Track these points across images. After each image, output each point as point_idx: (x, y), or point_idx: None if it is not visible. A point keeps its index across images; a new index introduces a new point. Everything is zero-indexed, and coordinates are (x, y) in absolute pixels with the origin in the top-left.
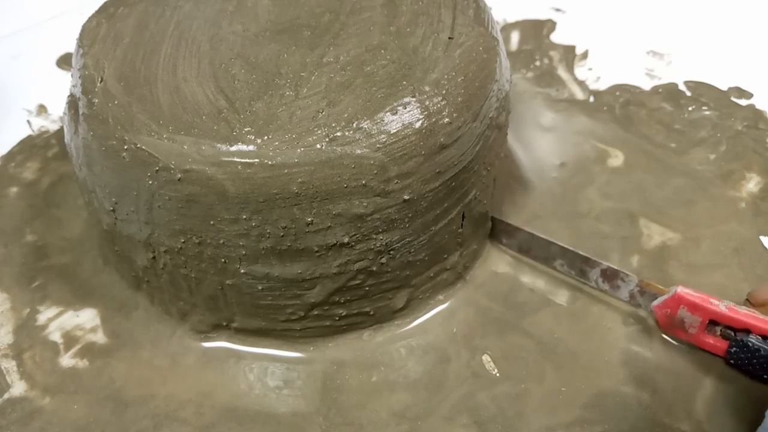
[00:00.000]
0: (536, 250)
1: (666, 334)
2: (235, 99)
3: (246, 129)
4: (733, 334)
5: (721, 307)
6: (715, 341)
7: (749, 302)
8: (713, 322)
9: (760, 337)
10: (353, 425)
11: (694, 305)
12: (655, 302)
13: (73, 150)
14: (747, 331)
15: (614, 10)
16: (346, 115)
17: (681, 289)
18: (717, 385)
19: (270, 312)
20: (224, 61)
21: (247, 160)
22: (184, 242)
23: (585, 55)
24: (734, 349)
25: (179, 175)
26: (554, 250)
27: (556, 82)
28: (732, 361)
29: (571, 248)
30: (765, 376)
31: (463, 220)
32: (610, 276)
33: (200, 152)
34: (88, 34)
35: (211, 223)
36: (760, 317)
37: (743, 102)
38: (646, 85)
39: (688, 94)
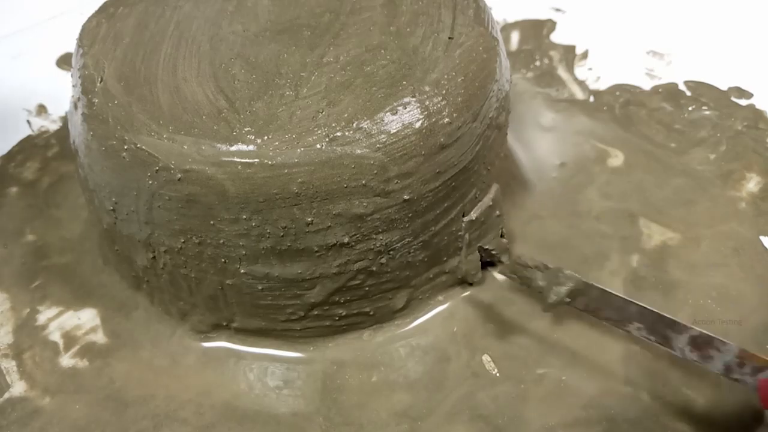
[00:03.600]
0: (607, 311)
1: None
2: (235, 99)
3: (246, 129)
4: None
5: None
6: None
7: None
8: None
9: None
10: (353, 425)
11: None
12: (764, 374)
13: (76, 149)
14: None
15: (614, 10)
16: (346, 115)
17: None
18: (717, 384)
19: (270, 312)
20: (224, 61)
21: (247, 160)
22: (184, 242)
23: (585, 55)
24: None
25: (179, 175)
26: (631, 311)
27: (556, 82)
28: None
29: (653, 309)
30: None
31: (463, 221)
32: (702, 344)
33: (200, 152)
34: (88, 34)
35: (211, 223)
36: None
37: (743, 102)
38: (646, 85)
39: (688, 94)
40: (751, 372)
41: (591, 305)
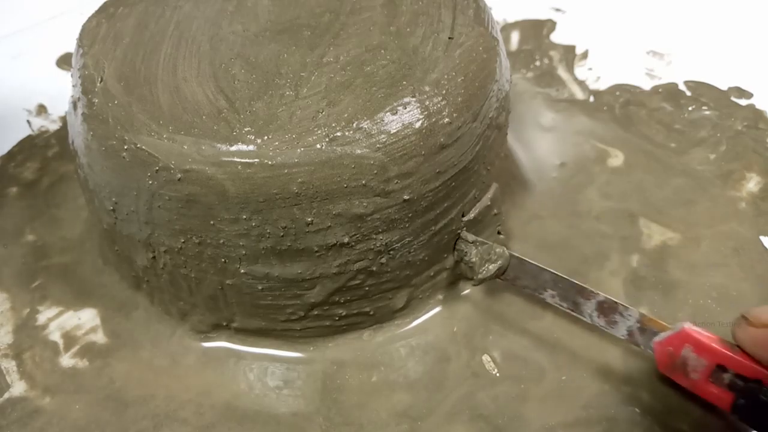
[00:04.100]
0: (524, 279)
1: (666, 376)
2: (235, 99)
3: (246, 129)
4: (741, 384)
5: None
6: (720, 392)
7: (745, 320)
8: (721, 368)
9: None
10: (353, 425)
11: (702, 345)
12: (657, 338)
13: (76, 149)
14: (759, 382)
15: (614, 10)
16: (346, 115)
17: (688, 326)
18: None
19: (270, 312)
20: (224, 61)
21: (247, 160)
22: (184, 242)
23: (585, 55)
24: (741, 401)
25: (179, 175)
26: (545, 278)
27: (556, 82)
28: (738, 415)
29: (564, 276)
30: None
31: (462, 220)
32: (607, 310)
33: (200, 152)
34: (88, 34)
35: (211, 223)
36: None
37: (743, 102)
38: (646, 85)
39: (688, 94)
40: (650, 337)
41: (510, 274)
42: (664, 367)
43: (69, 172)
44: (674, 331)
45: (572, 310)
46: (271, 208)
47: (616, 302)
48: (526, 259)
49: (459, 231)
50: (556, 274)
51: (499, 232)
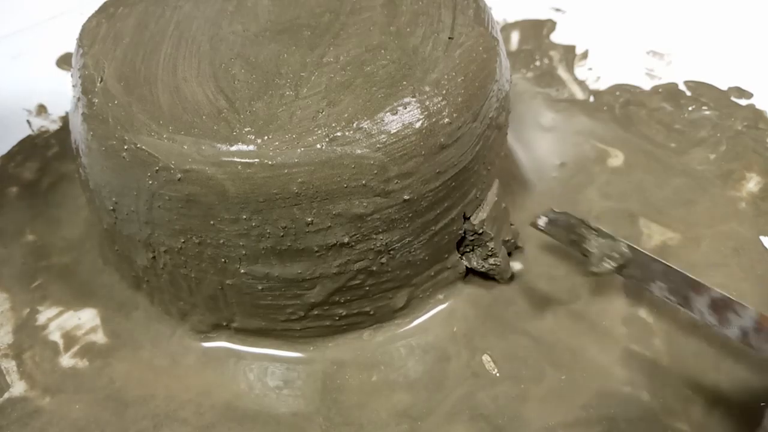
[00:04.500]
0: (632, 268)
1: None
2: (235, 99)
3: (246, 129)
4: None
5: None
6: None
7: None
8: None
9: None
10: (353, 425)
11: None
12: None
13: (76, 149)
14: None
15: (614, 10)
16: (346, 115)
17: None
18: (716, 384)
19: (270, 312)
20: (224, 61)
21: (247, 160)
22: (184, 242)
23: (585, 55)
24: None
25: (179, 175)
26: (655, 269)
27: (556, 82)
28: None
29: (676, 268)
30: None
31: (465, 220)
32: (721, 307)
33: (200, 152)
34: (88, 34)
35: (211, 223)
36: None
37: (743, 102)
38: (646, 85)
39: (688, 94)
40: (766, 339)
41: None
42: None
43: (69, 172)
44: None
45: (681, 305)
46: (271, 208)
47: (731, 299)
48: (638, 248)
49: (460, 231)
50: (668, 266)
51: (516, 245)
